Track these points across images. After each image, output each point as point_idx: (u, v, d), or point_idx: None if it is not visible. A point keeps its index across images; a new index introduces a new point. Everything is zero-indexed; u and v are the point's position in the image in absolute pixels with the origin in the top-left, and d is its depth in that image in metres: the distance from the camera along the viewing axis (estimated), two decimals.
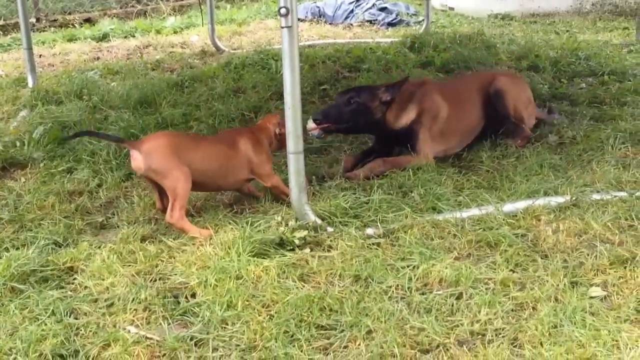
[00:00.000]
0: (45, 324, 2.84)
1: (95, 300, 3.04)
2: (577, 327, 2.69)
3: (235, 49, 8.60)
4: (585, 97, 5.71)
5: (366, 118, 4.41)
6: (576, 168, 4.27)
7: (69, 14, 10.80)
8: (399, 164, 4.33)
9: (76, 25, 10.39)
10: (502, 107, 4.81)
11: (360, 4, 10.51)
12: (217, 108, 5.66)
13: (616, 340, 2.61)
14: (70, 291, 3.14)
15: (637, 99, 5.58)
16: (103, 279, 3.19)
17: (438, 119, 4.55)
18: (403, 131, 4.46)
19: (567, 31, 9.07)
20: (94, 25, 10.37)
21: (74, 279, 3.24)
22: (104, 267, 3.27)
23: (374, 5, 10.49)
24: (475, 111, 4.81)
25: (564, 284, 3.01)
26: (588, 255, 3.26)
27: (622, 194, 3.81)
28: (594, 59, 6.88)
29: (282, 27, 3.42)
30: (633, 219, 3.53)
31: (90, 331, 2.81)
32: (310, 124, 4.31)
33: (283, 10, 3.37)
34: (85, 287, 3.14)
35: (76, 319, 2.91)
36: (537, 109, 5.20)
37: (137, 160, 3.64)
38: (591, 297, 2.93)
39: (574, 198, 3.78)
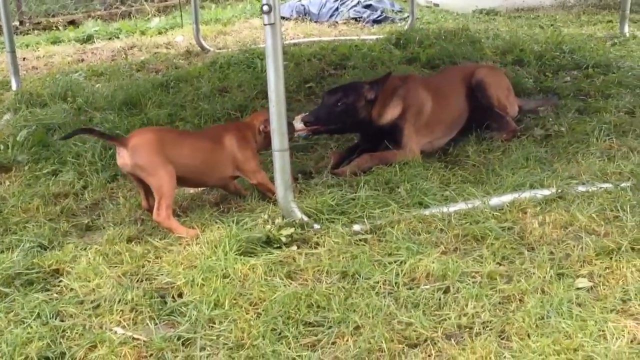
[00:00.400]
0: (31, 327, 2.82)
1: (81, 302, 3.02)
2: (563, 318, 2.70)
3: (220, 49, 8.58)
4: (570, 90, 5.73)
5: (353, 118, 4.41)
6: (562, 161, 4.28)
7: (53, 16, 10.75)
8: (385, 159, 4.33)
9: (60, 27, 10.34)
10: (485, 98, 4.86)
11: (345, 2, 10.51)
12: (202, 108, 5.65)
13: (602, 331, 2.62)
14: (56, 293, 3.12)
15: (621, 91, 5.60)
16: (89, 281, 3.17)
17: (422, 113, 4.56)
18: (387, 127, 4.46)
19: (552, 25, 9.09)
20: (77, 27, 10.32)
21: (60, 281, 3.22)
22: (90, 268, 3.25)
23: (358, 2, 10.49)
24: (458, 102, 4.84)
25: (551, 276, 3.02)
26: (574, 246, 3.26)
27: (608, 185, 3.82)
28: (578, 53, 6.90)
29: (265, 25, 3.41)
30: (618, 210, 3.54)
31: (77, 333, 2.79)
32: (299, 125, 4.31)
33: (265, 8, 3.36)
34: (71, 289, 3.12)
35: (62, 321, 2.89)
36: (521, 99, 5.25)
37: (124, 157, 3.64)
38: (577, 288, 2.93)
39: (559, 190, 3.79)
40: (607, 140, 4.53)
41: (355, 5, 10.45)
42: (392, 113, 4.46)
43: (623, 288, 2.91)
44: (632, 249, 3.18)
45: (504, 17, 10.02)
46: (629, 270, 3.01)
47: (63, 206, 4.06)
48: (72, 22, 10.60)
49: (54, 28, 10.32)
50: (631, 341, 2.57)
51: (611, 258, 3.13)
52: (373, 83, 4.48)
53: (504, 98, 4.93)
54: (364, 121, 4.45)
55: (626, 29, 7.90)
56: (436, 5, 11.27)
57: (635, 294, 2.84)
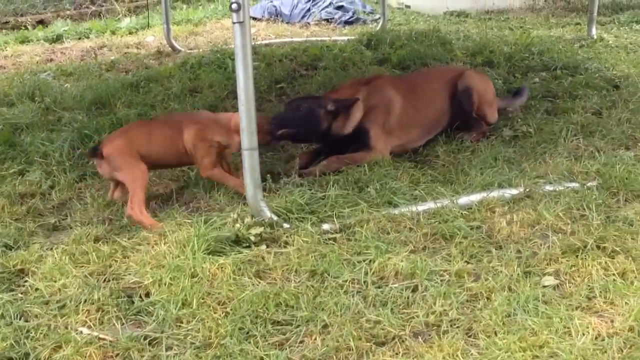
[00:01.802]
0: None
1: (47, 302, 2.99)
2: (530, 316, 2.72)
3: (191, 49, 8.54)
4: (539, 91, 5.78)
5: (315, 125, 4.37)
6: (530, 160, 4.32)
7: (21, 15, 10.61)
8: (355, 160, 4.32)
9: (29, 27, 10.21)
10: (469, 105, 4.83)
11: (317, 3, 10.51)
12: (173, 108, 5.62)
13: (568, 327, 2.65)
14: (21, 294, 3.09)
15: (588, 92, 5.66)
16: (55, 281, 3.13)
17: (391, 113, 4.55)
18: (352, 134, 4.44)
19: (521, 27, 9.17)
20: (47, 27, 10.20)
21: (25, 281, 3.18)
22: (56, 268, 3.21)
23: (330, 3, 10.50)
24: (437, 104, 4.81)
25: (518, 274, 3.04)
26: (541, 245, 3.30)
27: (574, 184, 3.87)
28: (547, 54, 6.97)
29: (234, 23, 3.40)
30: (584, 208, 3.58)
31: (41, 333, 2.76)
32: None
33: (234, 6, 3.35)
34: (36, 289, 3.09)
35: (26, 321, 2.86)
36: (502, 101, 5.27)
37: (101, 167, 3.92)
38: (544, 286, 2.97)
39: (527, 190, 3.83)
40: (574, 140, 4.57)
41: (327, 7, 10.45)
42: (354, 120, 4.44)
43: (588, 285, 2.94)
44: (598, 247, 3.22)
45: (474, 19, 10.09)
46: (594, 268, 3.04)
47: (29, 206, 4.01)
48: (41, 22, 10.47)
49: (23, 27, 10.18)
50: (596, 337, 2.60)
51: (577, 256, 3.16)
52: (338, 100, 4.44)
53: (487, 106, 4.91)
54: (327, 133, 4.42)
55: (593, 31, 8.00)
56: (407, 6, 11.33)
57: (600, 292, 2.88)
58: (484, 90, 4.94)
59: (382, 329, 2.72)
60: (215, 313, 2.86)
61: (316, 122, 4.38)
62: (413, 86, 4.80)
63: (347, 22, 10.17)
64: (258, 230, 3.43)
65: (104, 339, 2.72)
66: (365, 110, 4.46)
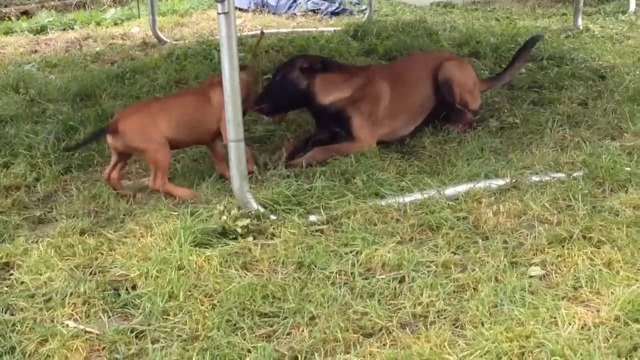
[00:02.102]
0: None
1: (32, 296, 2.97)
2: (516, 306, 2.73)
3: (177, 40, 8.48)
4: (525, 81, 5.78)
5: (293, 89, 4.43)
6: (516, 151, 4.32)
7: (5, 6, 10.50)
8: (340, 151, 4.32)
9: (12, 17, 10.11)
10: (450, 95, 4.83)
11: None
12: None
13: (554, 317, 2.65)
14: (6, 287, 3.06)
15: (574, 82, 5.67)
16: (40, 274, 3.11)
17: (379, 104, 4.55)
18: (333, 111, 4.47)
19: (507, 18, 9.17)
20: (31, 17, 10.10)
21: (10, 274, 3.16)
22: (41, 261, 3.19)
23: None
24: (422, 90, 4.81)
25: (504, 265, 3.05)
26: (527, 235, 3.31)
27: (560, 175, 3.88)
28: None
29: (219, 14, 3.39)
30: (570, 199, 3.59)
31: (27, 327, 2.74)
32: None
33: None
34: (22, 283, 3.07)
35: (12, 315, 2.84)
36: (488, 82, 5.32)
37: (115, 140, 3.87)
38: (530, 277, 2.97)
39: (513, 180, 3.84)
40: (561, 130, 4.59)
41: None
42: (336, 95, 4.46)
43: (574, 275, 2.95)
44: (584, 237, 3.24)
45: (460, 9, 10.08)
46: (580, 258, 3.06)
47: (14, 199, 3.98)
48: (25, 13, 10.37)
49: (6, 18, 10.07)
50: (582, 327, 2.61)
51: (563, 246, 3.17)
52: (310, 56, 4.59)
53: (467, 94, 4.89)
54: (307, 93, 4.45)
55: (580, 21, 8.01)
56: None
57: (586, 281, 2.89)
58: (463, 80, 4.92)
59: (370, 320, 2.72)
60: (202, 305, 2.85)
61: (293, 85, 4.44)
62: (400, 74, 4.82)
63: (334, 13, 10.14)
64: (245, 222, 3.41)
65: (90, 332, 2.71)
66: (352, 96, 4.48)
